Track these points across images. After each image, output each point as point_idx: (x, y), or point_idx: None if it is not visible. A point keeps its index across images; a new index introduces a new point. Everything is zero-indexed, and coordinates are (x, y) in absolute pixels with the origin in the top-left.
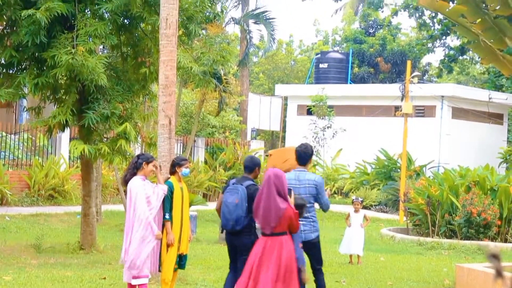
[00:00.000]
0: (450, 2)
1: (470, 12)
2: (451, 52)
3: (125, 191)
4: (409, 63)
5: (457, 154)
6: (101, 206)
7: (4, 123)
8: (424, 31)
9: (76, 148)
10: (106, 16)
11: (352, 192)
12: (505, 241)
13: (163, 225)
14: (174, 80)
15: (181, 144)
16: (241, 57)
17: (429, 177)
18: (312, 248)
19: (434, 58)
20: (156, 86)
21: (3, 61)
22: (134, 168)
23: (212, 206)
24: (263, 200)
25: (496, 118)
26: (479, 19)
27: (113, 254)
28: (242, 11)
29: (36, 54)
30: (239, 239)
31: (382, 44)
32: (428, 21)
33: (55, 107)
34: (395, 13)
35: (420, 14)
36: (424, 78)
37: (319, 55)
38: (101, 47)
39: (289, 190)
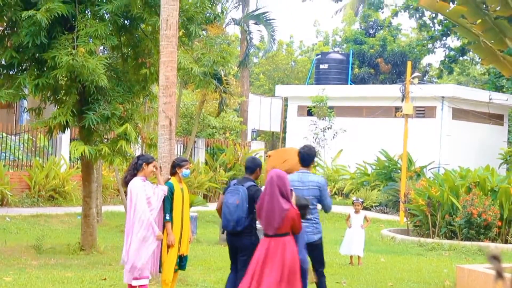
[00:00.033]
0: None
1: (470, 13)
2: (452, 53)
3: (126, 192)
4: (409, 64)
5: (458, 155)
6: (101, 207)
7: (4, 124)
8: (424, 32)
9: (76, 149)
10: (107, 17)
11: (353, 193)
12: (506, 242)
13: (164, 226)
14: (175, 81)
15: (182, 145)
16: (242, 58)
17: (429, 178)
18: (315, 250)
19: (434, 59)
20: (156, 87)
21: (3, 62)
22: (134, 169)
23: (212, 207)
24: (266, 201)
25: (497, 119)
26: (480, 20)
27: (114, 255)
28: (242, 12)
29: (37, 55)
30: (239, 239)
31: (382, 45)
32: (428, 22)
33: (56, 108)
34: (395, 14)
35: (420, 15)
36: (425, 79)
37: (319, 56)
38: (101, 48)
39: (290, 190)
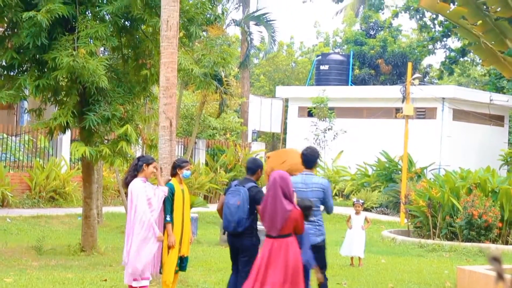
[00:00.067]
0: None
1: (471, 14)
2: (452, 54)
3: (126, 193)
4: (410, 65)
5: (458, 156)
6: (102, 208)
7: (5, 125)
8: (425, 33)
9: (77, 150)
10: (107, 18)
11: (353, 194)
12: (506, 243)
13: (164, 227)
14: (175, 82)
15: (182, 146)
16: (242, 59)
17: (430, 179)
18: (318, 252)
19: (435, 60)
20: (157, 88)
21: (4, 63)
22: (135, 170)
23: (213, 208)
24: (269, 203)
25: (497, 120)
26: (480, 21)
27: (114, 256)
28: (242, 13)
29: (37, 56)
30: (240, 240)
31: (382, 46)
32: (429, 23)
33: (56, 109)
34: (395, 15)
35: (420, 16)
36: (425, 80)
37: (319, 57)
38: (102, 49)
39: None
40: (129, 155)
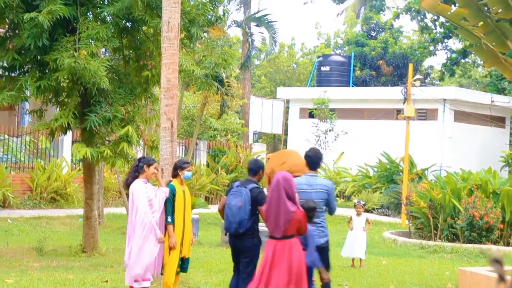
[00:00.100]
0: (452, 5)
1: (472, 15)
2: (453, 55)
3: (127, 194)
4: (411, 66)
5: (459, 157)
6: (103, 209)
7: (6, 126)
8: (426, 34)
9: (78, 151)
10: (108, 19)
11: (354, 196)
12: (508, 244)
13: (165, 228)
14: (176, 83)
15: (183, 147)
16: (243, 60)
17: (431, 180)
18: (321, 253)
19: (436, 61)
20: (158, 89)
21: (5, 64)
22: (136, 172)
23: (214, 209)
24: (273, 204)
25: (498, 121)
26: (481, 22)
27: (115, 257)
28: (244, 14)
29: (38, 57)
30: (242, 241)
31: (384, 47)
32: (430, 24)
33: (57, 110)
34: (397, 16)
35: (422, 17)
36: (426, 81)
37: (321, 58)
38: (103, 50)
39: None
40: (130, 156)
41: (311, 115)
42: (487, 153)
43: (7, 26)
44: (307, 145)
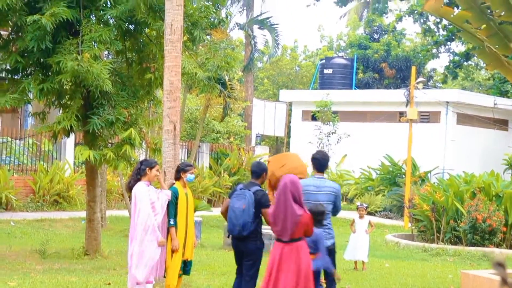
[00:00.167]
0: (455, 8)
1: (474, 18)
2: (456, 58)
3: (130, 197)
4: (413, 68)
5: (462, 160)
6: (105, 212)
7: (9, 128)
8: (429, 36)
9: (81, 154)
10: (111, 22)
11: (357, 198)
12: (510, 247)
13: (168, 231)
14: (179, 85)
15: (186, 150)
16: (246, 62)
17: (434, 183)
18: (328, 255)
19: (439, 64)
20: (161, 91)
21: (8, 67)
22: (138, 174)
23: (216, 211)
24: (280, 208)
25: (501, 124)
26: (484, 25)
27: (118, 259)
28: (246, 17)
29: (41, 59)
30: (245, 244)
31: (386, 49)
32: (432, 27)
33: (60, 112)
34: (399, 18)
35: (424, 20)
36: (429, 84)
37: (323, 61)
38: (106, 52)
39: None
40: (133, 159)
41: (313, 118)
42: (490, 156)
43: (10, 28)
44: (309, 147)
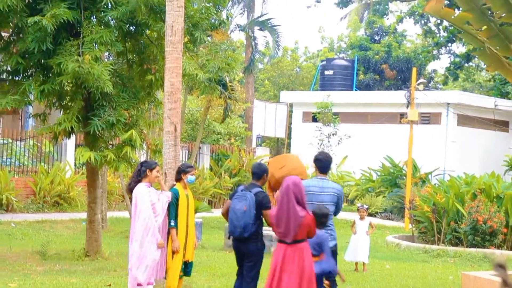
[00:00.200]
0: (456, 9)
1: (475, 20)
2: (457, 59)
3: (131, 199)
4: (414, 70)
5: (463, 162)
6: (106, 213)
7: (10, 129)
8: (429, 38)
9: (82, 155)
10: (112, 23)
11: (358, 199)
12: (511, 249)
13: (169, 232)
14: (180, 87)
15: (187, 151)
16: (247, 63)
17: (434, 184)
18: None
19: (439, 65)
20: (161, 93)
21: (9, 68)
22: (138, 176)
23: (217, 213)
24: (283, 209)
25: (502, 125)
26: (485, 26)
27: (119, 261)
28: (247, 18)
29: (42, 61)
30: (246, 246)
31: (387, 51)
32: (433, 28)
33: (61, 114)
34: (400, 20)
35: (425, 21)
36: (430, 85)
37: (324, 62)
38: (106, 54)
39: None
40: (133, 160)
41: (314, 119)
42: (490, 157)
43: (11, 30)
44: (310, 149)
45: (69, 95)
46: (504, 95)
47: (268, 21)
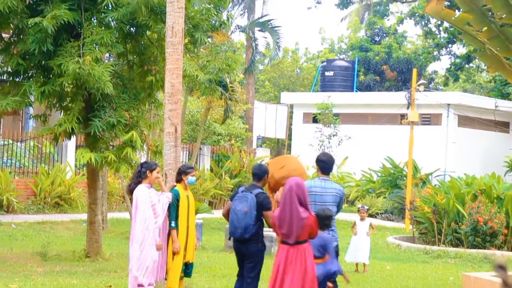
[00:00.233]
0: (456, 11)
1: (476, 21)
2: (457, 60)
3: (131, 200)
4: (415, 71)
5: (463, 162)
6: (107, 214)
7: (10, 130)
8: (430, 39)
9: (82, 156)
10: (112, 25)
11: (358, 200)
12: None
13: (169, 233)
14: (180, 88)
15: (187, 152)
16: (247, 65)
17: (435, 185)
18: None
19: (440, 66)
20: (162, 94)
21: (10, 69)
22: (138, 177)
23: (217, 214)
24: (286, 211)
25: (502, 126)
26: (485, 28)
27: (119, 262)
28: (248, 19)
29: (43, 62)
30: (246, 246)
31: (388, 52)
32: (434, 29)
33: (61, 115)
34: (401, 21)
35: (426, 22)
36: (430, 86)
37: (325, 63)
38: (107, 55)
39: None
40: (134, 161)
41: (315, 120)
42: (491, 158)
43: (11, 31)
44: (310, 150)
45: (70, 96)
46: (504, 96)
47: (269, 22)
